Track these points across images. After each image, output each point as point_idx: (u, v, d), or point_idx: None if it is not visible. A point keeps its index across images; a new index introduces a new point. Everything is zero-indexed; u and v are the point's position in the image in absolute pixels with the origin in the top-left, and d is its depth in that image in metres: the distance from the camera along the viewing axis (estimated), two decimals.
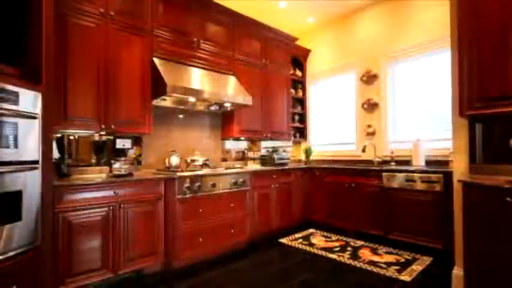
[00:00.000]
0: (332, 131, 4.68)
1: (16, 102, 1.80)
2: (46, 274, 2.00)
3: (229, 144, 4.08)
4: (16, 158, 1.80)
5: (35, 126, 1.94)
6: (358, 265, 2.73)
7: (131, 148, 2.91)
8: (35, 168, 1.93)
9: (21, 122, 1.83)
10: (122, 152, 2.84)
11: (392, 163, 3.69)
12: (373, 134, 4.06)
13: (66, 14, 2.38)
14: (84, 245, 2.19)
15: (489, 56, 1.82)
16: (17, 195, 1.81)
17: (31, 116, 1.90)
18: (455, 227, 2.15)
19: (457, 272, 2.09)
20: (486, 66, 1.83)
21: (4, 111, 1.71)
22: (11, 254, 1.75)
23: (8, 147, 1.75)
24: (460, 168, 2.14)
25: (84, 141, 2.75)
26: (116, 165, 2.56)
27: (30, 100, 1.89)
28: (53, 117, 2.12)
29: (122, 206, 2.39)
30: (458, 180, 1.96)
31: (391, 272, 2.55)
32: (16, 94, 1.80)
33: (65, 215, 2.11)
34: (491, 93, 1.81)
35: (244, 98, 3.40)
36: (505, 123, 1.90)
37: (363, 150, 3.95)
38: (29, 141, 1.89)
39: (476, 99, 1.87)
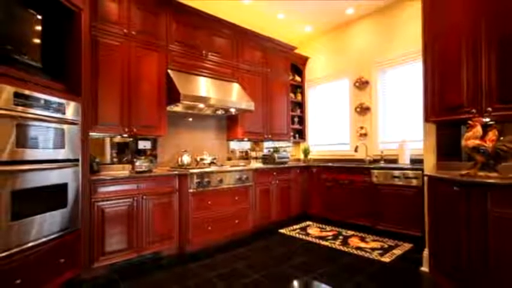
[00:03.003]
0: (328, 132, 5.07)
1: (63, 112, 2.24)
2: (84, 252, 2.44)
3: (234, 145, 4.49)
4: (63, 156, 2.24)
5: (76, 131, 2.37)
6: (347, 250, 3.13)
7: (151, 148, 3.35)
8: (77, 165, 2.37)
9: (66, 127, 2.27)
10: (143, 152, 3.27)
11: (382, 162, 4.08)
12: (365, 135, 4.45)
13: (96, 35, 2.81)
14: (114, 230, 2.62)
15: (448, 72, 2.20)
16: (64, 187, 2.25)
17: (73, 123, 2.34)
18: (425, 215, 2.53)
19: (427, 252, 2.48)
20: (446, 80, 2.22)
21: (55, 119, 2.14)
22: (60, 234, 2.19)
23: (57, 148, 2.18)
24: (429, 164, 2.53)
25: (110, 143, 3.18)
26: (138, 163, 2.99)
27: (73, 110, 2.33)
28: (88, 123, 2.56)
29: (143, 197, 2.82)
30: (424, 175, 2.35)
31: (374, 255, 2.95)
32: (63, 105, 2.24)
33: (99, 204, 2.54)
34: (450, 103, 2.20)
35: (247, 104, 3.82)
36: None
37: (356, 150, 4.34)
38: (72, 143, 2.32)
39: (438, 107, 2.26)
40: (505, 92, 1.89)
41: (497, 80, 1.92)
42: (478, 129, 1.97)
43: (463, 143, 2.01)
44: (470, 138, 1.98)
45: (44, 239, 2.05)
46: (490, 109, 1.95)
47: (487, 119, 2.07)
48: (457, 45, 2.12)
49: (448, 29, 2.20)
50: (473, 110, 2.03)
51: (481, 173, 1.90)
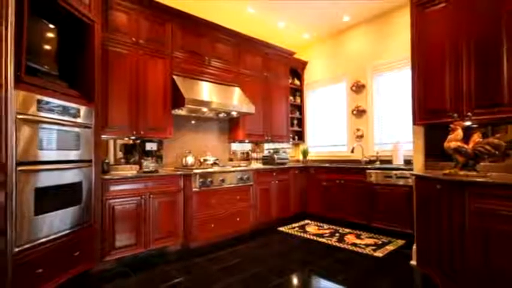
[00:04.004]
0: (326, 134, 5.26)
1: (78, 117, 2.43)
2: (97, 246, 2.62)
3: (236, 146, 4.68)
4: (78, 157, 2.43)
5: (90, 133, 2.57)
6: (343, 246, 3.30)
7: (156, 150, 3.54)
8: (90, 165, 2.56)
9: (81, 131, 2.46)
10: (150, 153, 3.46)
11: (377, 162, 4.25)
12: (361, 136, 4.63)
13: (107, 44, 3.00)
14: (124, 226, 2.81)
15: (433, 80, 2.39)
16: (79, 185, 2.44)
17: (87, 126, 2.53)
18: (414, 212, 2.70)
19: (415, 247, 2.65)
20: (431, 87, 2.40)
21: (71, 123, 2.34)
22: (75, 228, 2.38)
23: (73, 149, 2.38)
24: (418, 164, 2.70)
25: (118, 145, 3.38)
26: (145, 163, 3.18)
27: (87, 114, 2.52)
28: (100, 126, 2.74)
29: (150, 196, 3.01)
30: (412, 174, 2.53)
31: (368, 251, 3.12)
32: (78, 110, 2.43)
33: (110, 201, 2.73)
34: (435, 108, 2.38)
35: (248, 107, 4.01)
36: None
37: (352, 151, 4.52)
38: (86, 145, 2.52)
39: (424, 111, 2.44)
40: (483, 99, 2.07)
41: (475, 88, 2.10)
42: (459, 132, 2.15)
43: (446, 144, 2.19)
44: (452, 140, 2.15)
45: (61, 233, 2.23)
46: (469, 114, 2.13)
47: (469, 123, 2.26)
48: (441, 56, 2.31)
49: (432, 41, 2.38)
50: (455, 115, 2.21)
51: (461, 172, 2.08)
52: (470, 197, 1.87)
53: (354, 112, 4.71)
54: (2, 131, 1.75)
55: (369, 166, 3.96)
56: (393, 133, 4.26)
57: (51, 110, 2.15)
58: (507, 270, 1.69)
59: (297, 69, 5.44)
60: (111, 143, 3.34)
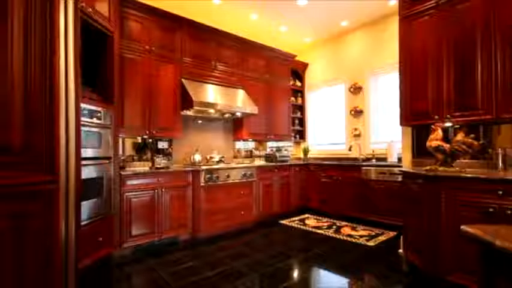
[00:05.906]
0: (326, 133, 5.52)
1: (100, 118, 2.73)
2: (116, 234, 2.93)
3: (240, 145, 4.97)
4: (100, 154, 2.73)
5: (109, 133, 2.87)
6: (338, 237, 3.58)
7: (167, 148, 3.84)
8: (110, 162, 2.86)
9: (102, 131, 2.76)
10: (161, 151, 3.77)
11: (373, 160, 4.51)
12: (359, 135, 4.88)
13: (122, 51, 3.30)
14: (139, 216, 3.11)
15: (417, 85, 2.64)
16: (100, 179, 2.74)
17: (107, 127, 2.83)
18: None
19: (402, 236, 2.91)
20: (416, 91, 2.66)
21: (94, 124, 2.63)
22: (98, 218, 2.68)
23: (96, 148, 2.68)
24: (406, 162, 2.96)
25: (132, 143, 3.68)
26: (157, 160, 3.48)
27: (107, 116, 2.82)
28: (117, 127, 3.04)
29: (162, 190, 3.31)
30: (400, 170, 2.79)
31: (361, 241, 3.39)
32: (100, 112, 2.73)
33: (127, 194, 3.04)
34: (419, 110, 2.63)
35: (251, 108, 4.28)
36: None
37: (350, 149, 4.78)
38: (106, 144, 2.81)
39: (410, 113, 2.70)
40: (461, 103, 2.32)
41: (454, 92, 2.35)
42: (439, 132, 2.41)
43: (427, 144, 2.44)
44: (433, 140, 2.41)
45: (87, 221, 2.54)
46: (449, 116, 2.39)
47: (449, 124, 2.51)
48: (424, 63, 2.56)
49: (417, 50, 2.64)
50: (436, 117, 2.47)
51: (441, 168, 2.34)
52: (445, 188, 2.14)
53: (352, 112, 4.96)
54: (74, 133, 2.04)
55: (365, 163, 4.22)
56: (388, 132, 4.51)
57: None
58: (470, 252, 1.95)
59: (298, 71, 5.70)
60: (120, 141, 3.62)
